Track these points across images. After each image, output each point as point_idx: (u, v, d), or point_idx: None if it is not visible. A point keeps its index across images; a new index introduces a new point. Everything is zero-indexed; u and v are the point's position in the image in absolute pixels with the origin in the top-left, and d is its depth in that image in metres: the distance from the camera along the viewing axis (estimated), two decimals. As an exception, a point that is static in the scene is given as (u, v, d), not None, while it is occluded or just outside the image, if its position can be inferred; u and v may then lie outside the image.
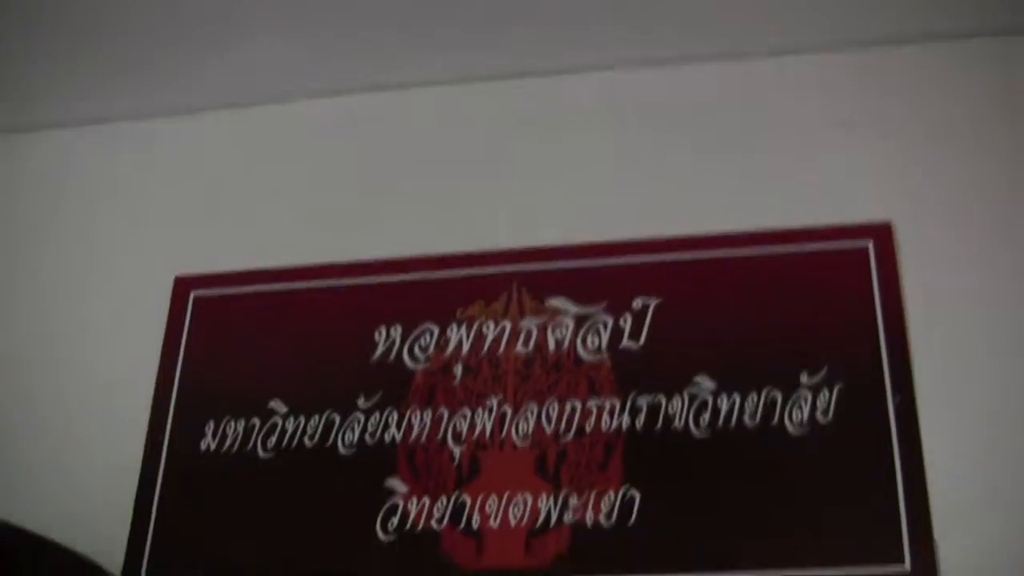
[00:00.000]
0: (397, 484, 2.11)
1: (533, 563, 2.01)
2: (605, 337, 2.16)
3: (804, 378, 2.05)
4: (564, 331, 2.18)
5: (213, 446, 2.22)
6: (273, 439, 2.20)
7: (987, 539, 1.91)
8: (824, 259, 2.16)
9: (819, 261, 2.16)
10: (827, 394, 2.03)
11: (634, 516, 2.00)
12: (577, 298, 2.20)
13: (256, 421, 2.22)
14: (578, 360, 2.15)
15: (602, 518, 2.01)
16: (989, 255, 2.14)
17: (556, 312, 2.20)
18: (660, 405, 2.08)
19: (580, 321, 2.18)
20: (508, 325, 2.21)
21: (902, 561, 1.89)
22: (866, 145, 2.27)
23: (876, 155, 2.26)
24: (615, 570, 1.98)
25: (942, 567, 1.89)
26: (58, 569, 1.85)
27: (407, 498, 2.10)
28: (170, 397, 2.29)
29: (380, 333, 2.25)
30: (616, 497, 2.02)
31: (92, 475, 2.26)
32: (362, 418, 2.18)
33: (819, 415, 2.02)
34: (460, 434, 2.13)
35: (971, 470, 1.96)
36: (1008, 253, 2.14)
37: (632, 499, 2.02)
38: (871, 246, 2.14)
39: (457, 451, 2.12)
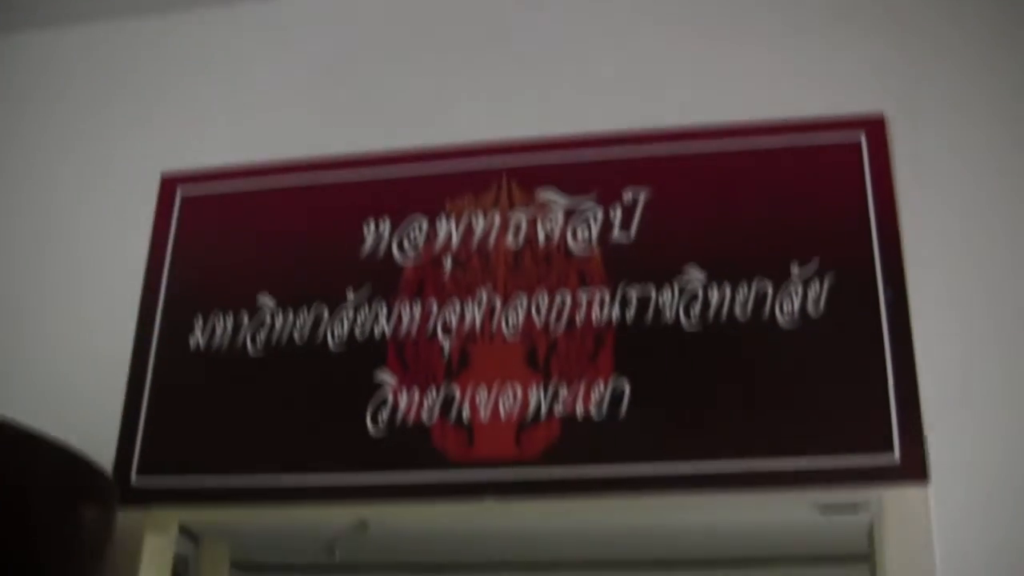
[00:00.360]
0: (387, 377, 2.11)
1: (523, 455, 2.01)
2: (595, 229, 2.14)
3: (795, 270, 2.04)
4: (554, 223, 2.17)
5: (202, 343, 2.22)
6: (262, 335, 2.20)
7: (976, 430, 1.92)
8: (816, 152, 2.14)
9: (811, 153, 2.14)
10: (818, 286, 2.02)
11: (624, 407, 2.00)
12: (567, 190, 2.19)
13: (245, 316, 2.22)
14: (568, 252, 2.14)
15: (592, 409, 2.01)
16: (984, 148, 2.12)
17: (546, 204, 2.19)
18: (650, 296, 2.07)
19: (570, 213, 2.17)
20: (498, 218, 2.19)
21: (891, 451, 1.90)
22: (860, 36, 2.25)
23: (870, 46, 2.23)
24: (605, 460, 1.98)
25: (931, 458, 1.89)
26: (50, 464, 1.84)
27: (397, 391, 2.09)
28: (158, 294, 2.29)
29: (369, 227, 2.23)
30: (606, 388, 2.02)
31: (82, 372, 2.27)
32: (351, 312, 2.17)
33: (810, 307, 2.01)
34: (450, 327, 2.12)
35: (961, 361, 1.96)
36: (1005, 145, 2.12)
37: (622, 390, 2.01)
38: (863, 138, 2.12)
39: (447, 344, 2.11)
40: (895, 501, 1.90)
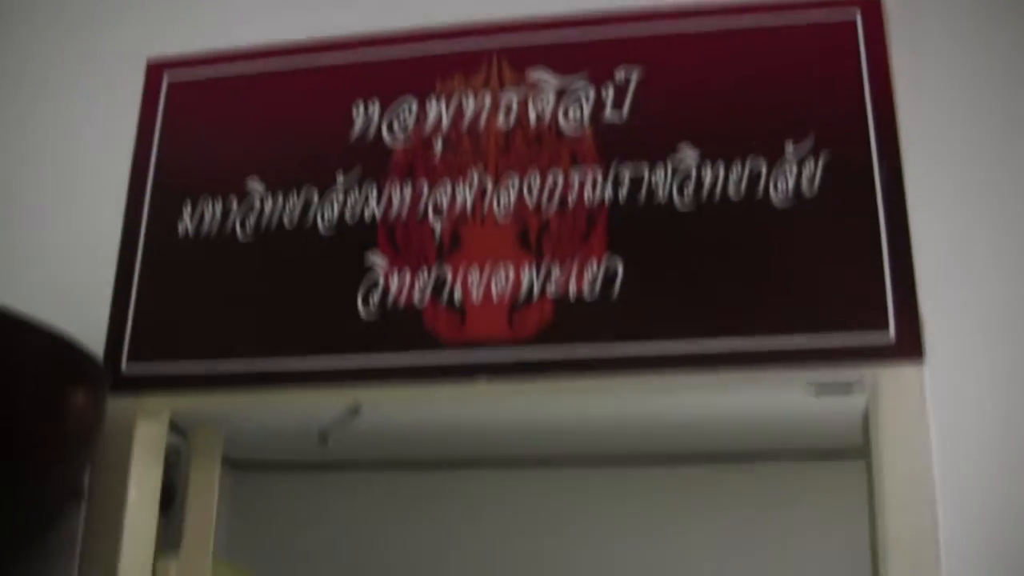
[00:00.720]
0: (377, 259, 2.09)
1: (516, 335, 2.00)
2: (587, 109, 2.11)
3: (789, 148, 2.01)
4: (545, 103, 2.14)
5: (191, 230, 2.20)
6: (251, 220, 2.18)
7: (971, 306, 1.91)
8: (811, 29, 2.10)
9: (806, 31, 2.10)
10: (813, 165, 1.99)
11: (617, 286, 1.99)
12: (558, 70, 2.15)
13: (234, 201, 2.19)
14: (560, 132, 2.11)
15: (585, 289, 2.00)
16: (984, 27, 2.09)
17: (537, 84, 2.15)
18: (643, 176, 2.05)
19: (561, 93, 2.14)
20: (488, 98, 2.16)
21: (886, 329, 1.89)
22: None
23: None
24: (598, 340, 1.97)
25: (926, 336, 1.88)
26: (40, 349, 1.84)
27: (388, 273, 2.08)
28: (146, 180, 2.26)
29: (358, 109, 2.20)
30: (599, 268, 2.00)
31: (71, 259, 2.26)
32: (341, 195, 2.15)
33: (804, 186, 1.99)
34: (441, 208, 2.10)
35: (957, 239, 1.95)
36: (1004, 25, 2.08)
37: (615, 270, 2.00)
38: (859, 16, 2.09)
39: (438, 225, 2.09)
40: (890, 380, 1.89)
